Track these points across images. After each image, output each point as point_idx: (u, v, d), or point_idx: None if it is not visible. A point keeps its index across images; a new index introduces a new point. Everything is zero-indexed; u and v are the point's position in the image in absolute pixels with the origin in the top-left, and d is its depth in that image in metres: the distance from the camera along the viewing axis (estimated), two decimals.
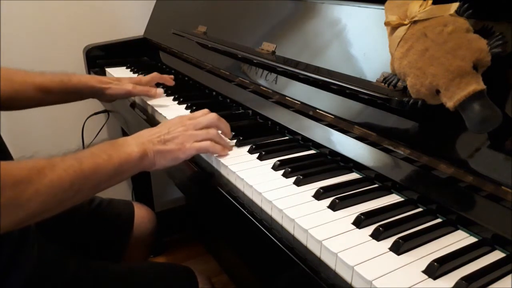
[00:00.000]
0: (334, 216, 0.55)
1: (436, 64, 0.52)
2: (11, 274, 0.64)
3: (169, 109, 0.97)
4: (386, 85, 0.61)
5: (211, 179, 0.70)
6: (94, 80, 0.97)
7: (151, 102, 1.01)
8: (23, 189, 0.49)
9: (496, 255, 0.49)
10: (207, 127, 0.71)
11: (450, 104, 0.51)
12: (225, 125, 0.74)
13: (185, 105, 0.97)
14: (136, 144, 0.65)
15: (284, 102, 0.84)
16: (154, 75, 1.07)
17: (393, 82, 0.60)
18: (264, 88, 0.89)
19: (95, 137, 1.50)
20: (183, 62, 1.24)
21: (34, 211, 0.51)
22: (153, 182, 1.63)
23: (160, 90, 1.04)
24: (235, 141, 0.77)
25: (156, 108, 0.97)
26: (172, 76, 1.10)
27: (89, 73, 1.43)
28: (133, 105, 1.08)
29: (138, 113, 1.03)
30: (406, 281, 0.44)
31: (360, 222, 0.53)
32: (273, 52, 0.90)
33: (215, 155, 0.71)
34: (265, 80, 0.90)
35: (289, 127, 0.81)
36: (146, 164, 0.65)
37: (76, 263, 0.72)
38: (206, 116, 0.73)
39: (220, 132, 0.73)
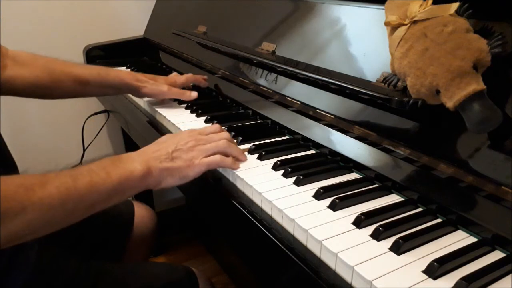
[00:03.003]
0: (334, 216, 0.55)
1: (436, 64, 0.52)
2: (11, 274, 0.64)
3: (169, 108, 0.97)
4: (386, 85, 0.61)
5: (210, 179, 0.70)
6: (130, 77, 0.96)
7: (152, 103, 1.01)
8: (7, 206, 0.46)
9: (496, 255, 0.49)
10: (217, 146, 0.67)
11: (450, 104, 0.51)
12: (236, 149, 0.69)
13: (185, 105, 0.97)
14: (140, 161, 0.60)
15: (284, 102, 0.84)
16: (189, 76, 1.03)
17: (393, 82, 0.60)
18: (264, 88, 0.89)
19: (95, 137, 1.50)
20: (183, 62, 1.24)
21: (20, 230, 0.48)
22: None
23: (195, 93, 0.98)
24: (234, 141, 0.76)
25: (156, 108, 0.97)
26: (205, 77, 1.06)
27: None
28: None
29: (141, 115, 1.03)
30: (406, 281, 0.44)
31: (360, 222, 0.53)
32: (273, 52, 0.90)
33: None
34: (265, 80, 0.90)
35: (289, 127, 0.81)
36: (151, 182, 0.61)
37: (76, 263, 0.72)
38: (217, 134, 0.70)
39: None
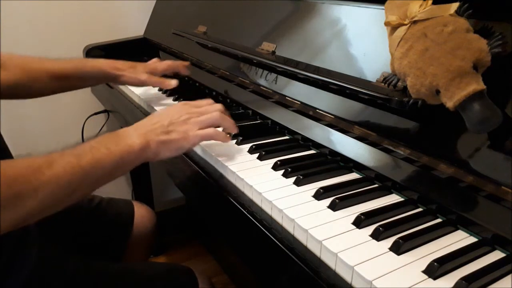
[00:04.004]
0: (334, 216, 0.55)
1: (436, 64, 0.52)
2: (11, 274, 0.64)
3: None
4: (386, 85, 0.61)
5: (210, 179, 0.70)
6: (108, 65, 0.96)
7: (152, 103, 1.01)
8: (19, 188, 0.48)
9: (496, 255, 0.49)
10: (211, 117, 0.69)
11: (450, 104, 0.51)
12: (229, 121, 0.73)
13: None
14: (137, 135, 0.63)
15: (284, 102, 0.84)
16: (170, 63, 1.03)
17: (393, 82, 0.60)
18: (264, 88, 0.89)
19: (95, 137, 1.50)
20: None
21: (31, 210, 0.51)
22: (153, 182, 1.63)
23: (175, 81, 0.98)
24: (234, 141, 0.76)
25: (156, 108, 0.97)
26: (186, 63, 1.06)
27: None
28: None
29: (140, 115, 1.03)
30: (406, 281, 0.44)
31: (360, 222, 0.53)
32: (273, 52, 0.90)
33: (219, 157, 0.70)
34: (265, 80, 0.90)
35: (289, 127, 0.81)
36: (149, 155, 0.64)
37: (76, 263, 0.72)
38: (211, 106, 0.72)
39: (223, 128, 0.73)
